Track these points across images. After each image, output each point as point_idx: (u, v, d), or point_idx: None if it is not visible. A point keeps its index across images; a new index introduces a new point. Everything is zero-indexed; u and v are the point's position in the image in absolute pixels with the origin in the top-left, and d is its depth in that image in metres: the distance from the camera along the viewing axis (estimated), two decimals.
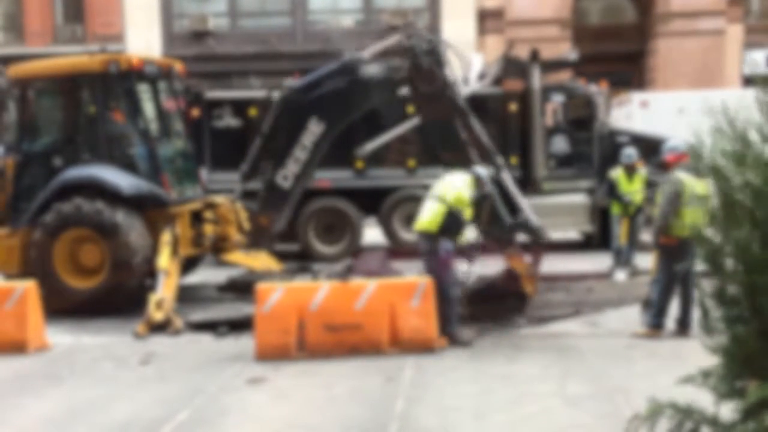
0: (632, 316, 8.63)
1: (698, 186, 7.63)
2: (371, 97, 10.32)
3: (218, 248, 11.19)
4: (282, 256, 12.10)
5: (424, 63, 9.55)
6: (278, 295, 7.63)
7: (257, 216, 11.00)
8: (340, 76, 10.17)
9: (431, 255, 7.98)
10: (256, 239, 11.15)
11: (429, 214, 8.04)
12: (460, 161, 9.93)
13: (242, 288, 10.39)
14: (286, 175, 10.52)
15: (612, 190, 11.77)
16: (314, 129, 10.24)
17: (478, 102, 13.67)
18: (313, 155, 10.44)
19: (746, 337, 2.69)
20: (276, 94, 11.21)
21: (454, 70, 10.20)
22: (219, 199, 11.32)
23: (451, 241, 7.99)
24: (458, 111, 9.74)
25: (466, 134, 9.50)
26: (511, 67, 13.81)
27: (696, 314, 3.04)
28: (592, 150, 14.13)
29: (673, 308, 8.04)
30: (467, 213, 8.06)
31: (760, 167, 2.68)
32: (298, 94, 10.44)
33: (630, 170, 11.59)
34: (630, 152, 11.65)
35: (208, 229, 11.05)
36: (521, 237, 9.33)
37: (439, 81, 9.72)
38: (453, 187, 8.11)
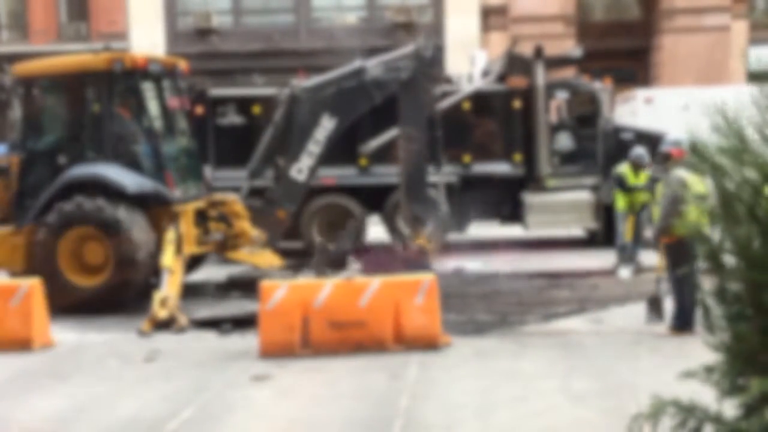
0: (637, 313, 8.61)
1: (699, 184, 7.59)
2: (377, 96, 11.31)
3: (227, 245, 11.21)
4: (285, 254, 12.10)
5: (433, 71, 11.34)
6: (282, 292, 7.63)
7: (275, 210, 11.22)
8: (351, 78, 11.26)
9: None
10: (273, 233, 11.33)
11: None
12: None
13: (242, 285, 10.44)
14: (301, 168, 11.22)
15: (621, 183, 11.73)
16: (327, 124, 11.11)
17: (482, 99, 13.70)
18: (324, 149, 11.18)
19: (748, 334, 2.69)
20: (284, 91, 11.52)
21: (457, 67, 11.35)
22: (228, 196, 11.34)
23: None
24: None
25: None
26: (515, 63, 13.77)
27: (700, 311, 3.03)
28: (597, 147, 14.07)
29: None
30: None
31: (758, 164, 2.67)
32: (310, 93, 11.25)
33: (637, 167, 11.59)
34: (641, 152, 11.60)
35: (213, 227, 11.06)
36: None
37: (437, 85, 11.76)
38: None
